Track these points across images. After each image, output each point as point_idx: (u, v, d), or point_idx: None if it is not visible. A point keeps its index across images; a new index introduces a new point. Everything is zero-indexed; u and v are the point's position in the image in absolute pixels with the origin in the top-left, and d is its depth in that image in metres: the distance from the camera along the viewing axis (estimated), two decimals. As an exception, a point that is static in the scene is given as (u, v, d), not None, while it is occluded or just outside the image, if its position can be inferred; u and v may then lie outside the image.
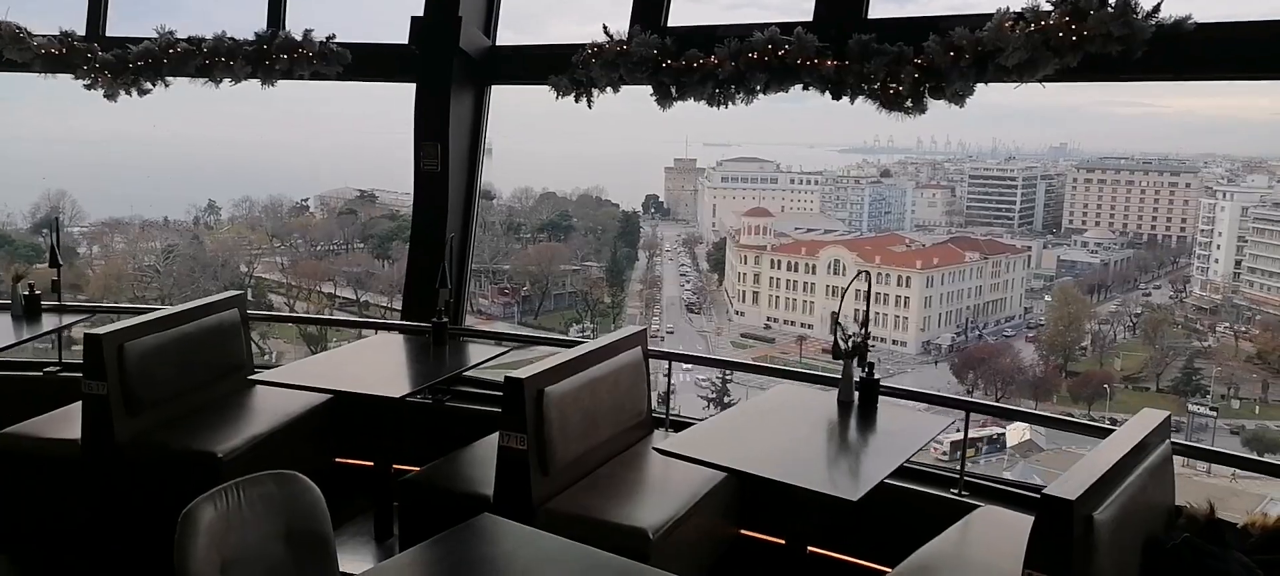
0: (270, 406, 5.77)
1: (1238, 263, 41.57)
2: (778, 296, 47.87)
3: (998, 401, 37.63)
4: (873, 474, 3.77)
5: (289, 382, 5.43)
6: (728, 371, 37.03)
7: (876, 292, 43.73)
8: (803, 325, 46.74)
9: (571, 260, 51.18)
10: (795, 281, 47.71)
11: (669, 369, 6.15)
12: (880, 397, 4.73)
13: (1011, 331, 44.34)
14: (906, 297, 44.07)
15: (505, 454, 4.52)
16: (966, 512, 4.44)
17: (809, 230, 50.02)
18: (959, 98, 4.64)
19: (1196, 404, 35.58)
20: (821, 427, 4.63)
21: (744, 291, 48.34)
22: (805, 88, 5.05)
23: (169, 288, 32.48)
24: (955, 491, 5.11)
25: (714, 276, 52.94)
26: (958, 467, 5.16)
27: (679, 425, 5.75)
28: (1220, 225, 42.53)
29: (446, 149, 6.97)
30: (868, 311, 4.88)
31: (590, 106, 5.67)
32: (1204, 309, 42.12)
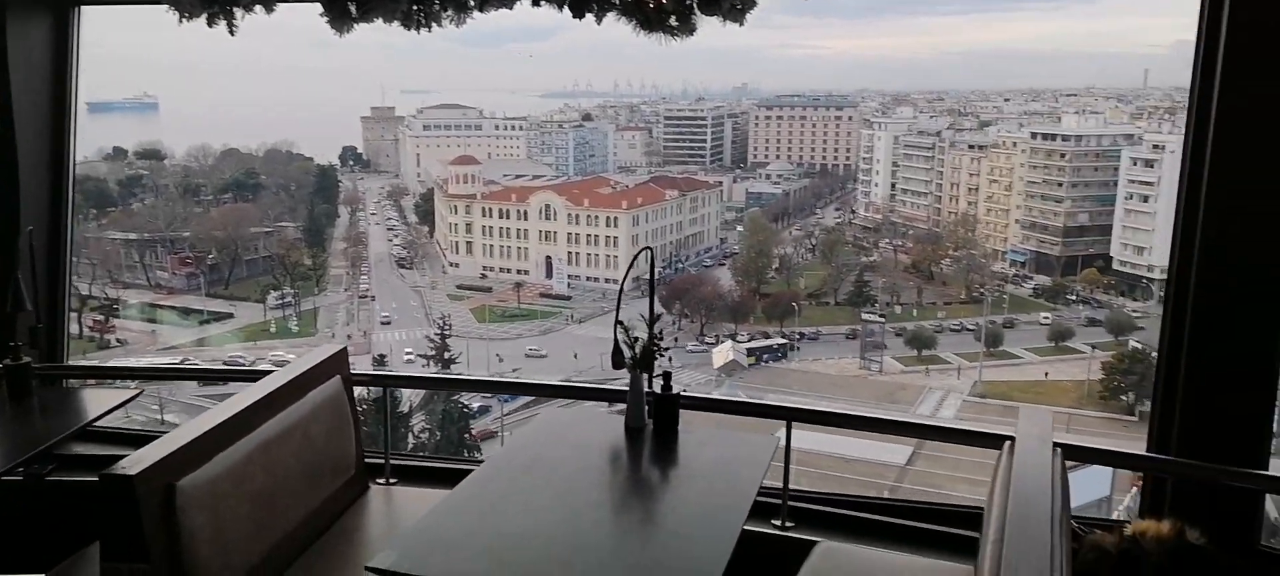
0: None
1: (893, 185, 47.44)
2: (491, 244, 47.49)
3: (703, 327, 40.38)
4: (704, 573, 2.52)
5: None
6: (446, 325, 36.41)
7: (588, 234, 44.67)
8: (519, 271, 46.83)
9: (263, 221, 47.26)
10: (508, 228, 47.55)
11: (385, 395, 4.53)
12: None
13: (710, 261, 47.56)
14: (615, 237, 45.63)
15: None
16: (801, 553, 3.31)
17: (517, 176, 49.98)
18: (737, 12, 3.57)
19: (867, 313, 40.46)
20: (612, 481, 3.30)
21: (457, 242, 47.43)
22: (536, 2, 3.72)
23: None
24: (778, 522, 3.93)
25: (424, 228, 51.37)
26: (778, 487, 3.91)
27: (406, 470, 4.41)
28: (878, 153, 48.17)
29: (4, 101, 4.81)
30: (652, 304, 3.68)
31: (233, 32, 4.00)
32: (869, 228, 47.73)
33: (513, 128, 57.35)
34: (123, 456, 2.83)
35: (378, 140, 64.08)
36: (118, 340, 38.86)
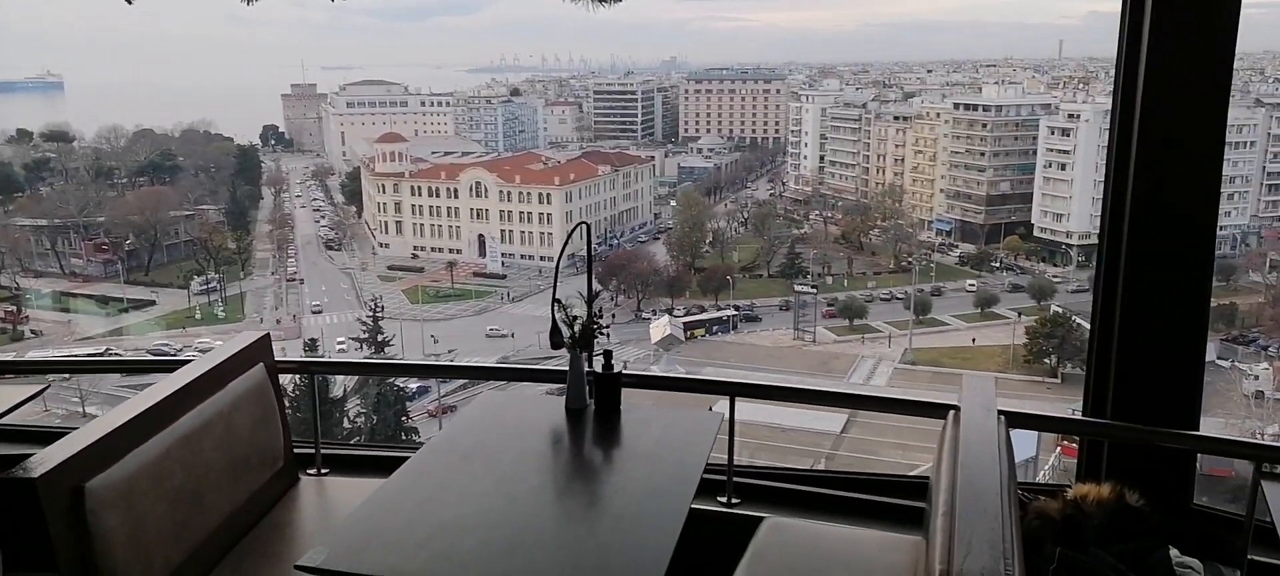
0: None
1: (821, 157, 48.11)
2: (422, 223, 46.74)
3: (640, 303, 40.51)
4: (652, 557, 2.45)
5: None
6: (378, 306, 35.79)
7: (521, 211, 44.32)
8: (451, 250, 46.22)
9: (182, 204, 45.66)
10: (438, 207, 46.83)
11: (312, 382, 4.31)
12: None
13: (645, 237, 47.67)
14: (548, 214, 45.37)
15: None
16: (748, 529, 3.25)
17: (446, 153, 49.21)
18: None
19: (800, 284, 41.14)
20: (555, 464, 3.22)
21: (386, 221, 46.55)
22: None
23: None
24: (724, 499, 3.84)
25: (352, 209, 50.26)
26: (723, 463, 3.79)
27: (338, 460, 4.21)
28: (806, 125, 48.75)
29: None
30: (590, 281, 3.54)
31: None
32: (799, 200, 48.36)
33: (439, 104, 56.38)
34: (30, 456, 2.65)
35: (300, 119, 62.34)
36: (32, 331, 37.21)
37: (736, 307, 38.62)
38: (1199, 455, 3.38)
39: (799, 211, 46.96)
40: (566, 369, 3.39)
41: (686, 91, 57.64)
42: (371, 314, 33.44)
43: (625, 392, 3.43)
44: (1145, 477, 2.87)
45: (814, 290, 38.50)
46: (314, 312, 38.84)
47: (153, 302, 38.73)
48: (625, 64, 66.89)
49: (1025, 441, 18.48)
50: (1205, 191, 3.14)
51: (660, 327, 37.16)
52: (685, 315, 38.45)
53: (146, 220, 41.41)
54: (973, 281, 39.21)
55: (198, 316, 38.15)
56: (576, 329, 3.37)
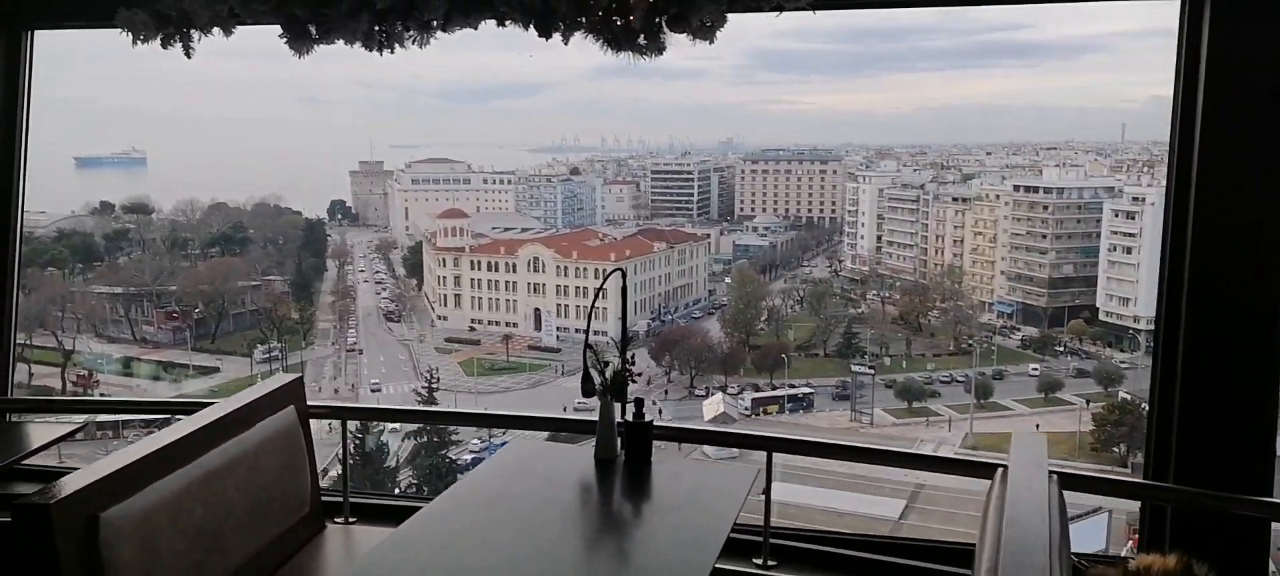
0: None
1: (879, 237, 47.78)
2: (480, 297, 47.42)
3: (693, 379, 40.24)
4: None
5: None
6: (434, 376, 36.15)
7: (577, 286, 44.63)
8: (507, 324, 46.71)
9: (250, 275, 47.09)
10: (496, 281, 47.54)
11: (343, 427, 4.26)
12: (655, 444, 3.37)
13: (699, 313, 47.59)
14: (605, 289, 45.71)
15: None
16: None
17: (506, 229, 50.09)
18: (707, 31, 3.52)
19: (857, 364, 40.47)
20: (580, 514, 3.12)
21: (445, 294, 47.34)
22: (501, 22, 3.67)
23: None
24: (759, 562, 3.71)
25: (412, 282, 51.28)
26: (759, 524, 3.68)
27: (368, 509, 4.13)
28: (863, 205, 48.59)
29: None
30: (625, 327, 3.57)
31: (189, 54, 3.93)
32: (856, 280, 47.95)
33: (501, 181, 57.62)
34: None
35: (366, 194, 64.26)
36: (101, 395, 38.47)
37: (810, 384, 38.19)
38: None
39: (855, 291, 46.51)
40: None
41: (742, 171, 58.04)
42: (427, 384, 33.80)
43: (662, 446, 3.42)
44: (1215, 549, 2.72)
45: (871, 371, 37.83)
46: (373, 390, 39.25)
47: (217, 369, 39.74)
48: (682, 145, 67.76)
49: (1094, 532, 17.69)
50: (1260, 269, 3.05)
51: (713, 405, 36.79)
52: (757, 392, 37.92)
53: (215, 289, 42.75)
54: (1036, 365, 38.15)
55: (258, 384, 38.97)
56: (608, 376, 3.33)
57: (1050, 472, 2.64)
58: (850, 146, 61.12)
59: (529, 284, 44.35)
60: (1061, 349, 39.26)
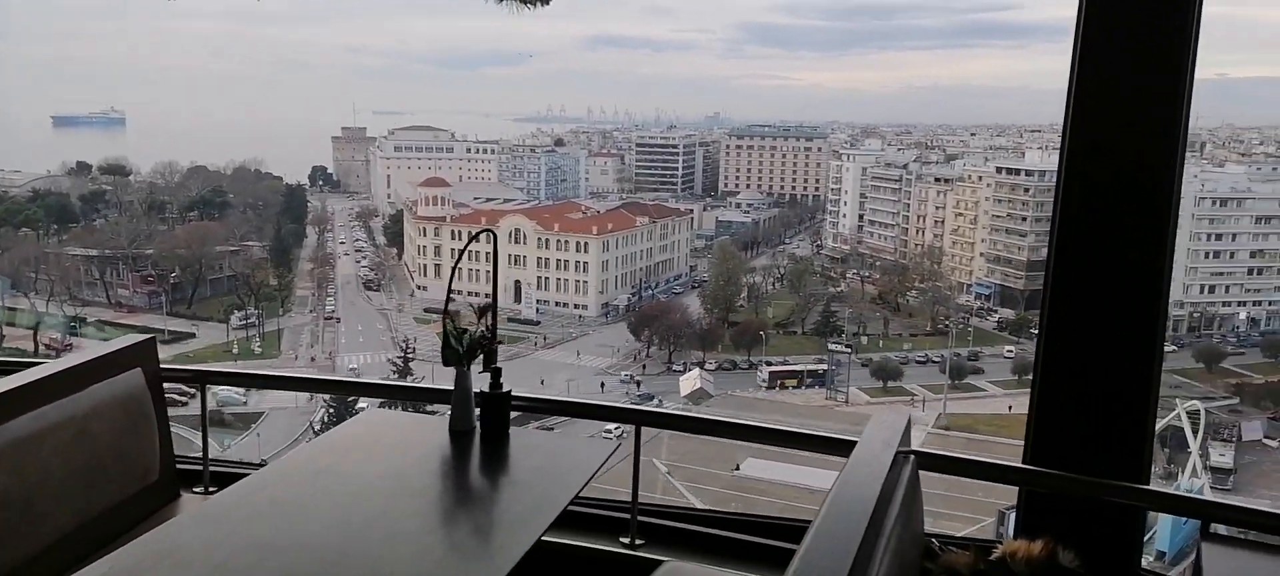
0: None
1: (861, 216, 47.79)
2: (461, 267, 47.22)
3: (672, 355, 40.27)
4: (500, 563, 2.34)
5: None
6: (409, 348, 36.00)
7: (557, 259, 44.49)
8: (487, 295, 46.63)
9: (228, 240, 46.70)
10: (477, 251, 47.22)
11: (202, 392, 3.94)
12: (514, 416, 3.23)
13: (680, 288, 47.56)
14: (585, 262, 45.55)
15: None
16: (648, 573, 3.09)
17: (488, 199, 49.81)
18: None
19: (835, 343, 40.57)
20: (407, 487, 2.91)
21: (425, 264, 47.08)
22: None
23: None
24: (626, 541, 3.56)
25: (393, 250, 51.01)
26: (628, 499, 3.52)
27: (230, 477, 3.78)
28: (846, 184, 48.54)
29: None
30: (496, 285, 3.35)
31: None
32: (836, 258, 48.00)
33: (485, 151, 57.21)
34: None
35: (348, 160, 63.70)
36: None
37: (768, 363, 38.17)
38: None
39: (836, 270, 46.56)
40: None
41: (727, 147, 57.86)
42: (402, 354, 33.69)
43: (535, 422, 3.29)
44: (1087, 537, 2.67)
45: (848, 349, 37.95)
46: (351, 369, 38.84)
47: (192, 335, 39.49)
48: (669, 118, 67.47)
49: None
50: (1152, 222, 2.93)
51: (690, 381, 36.87)
52: (782, 365, 37.73)
53: (193, 254, 42.40)
54: (1011, 347, 38.38)
55: (235, 351, 38.75)
56: (464, 342, 3.10)
57: (906, 453, 2.58)
58: (836, 124, 60.97)
59: (510, 255, 44.19)
60: (1036, 331, 39.52)
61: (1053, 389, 3.07)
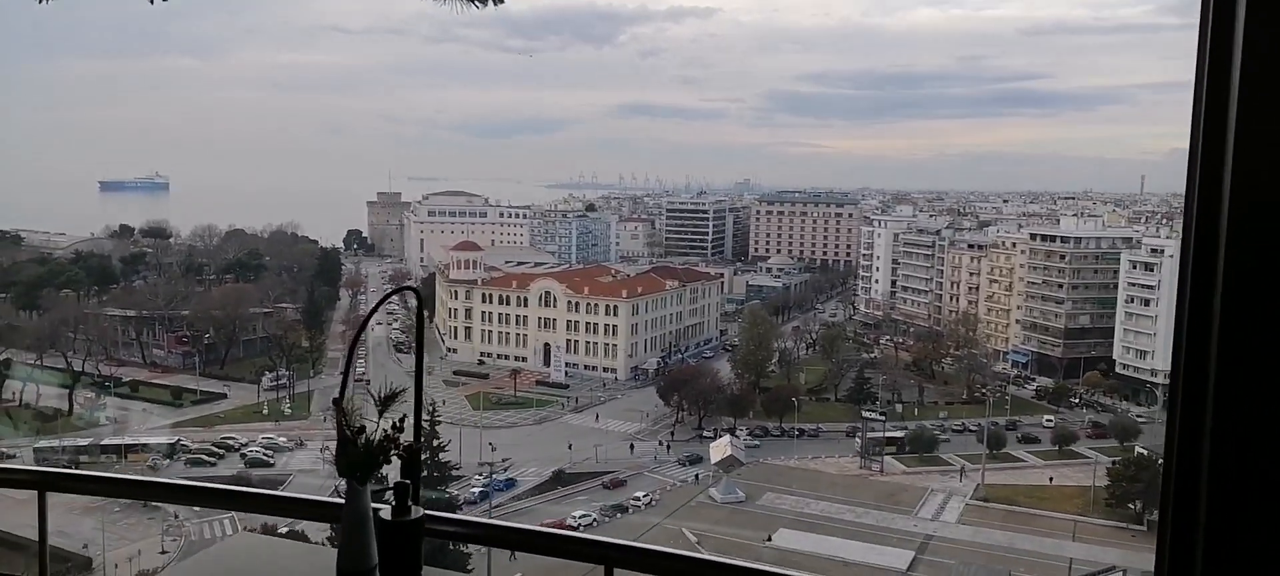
0: None
1: (893, 282, 47.43)
2: (490, 331, 47.37)
3: (702, 420, 39.70)
4: None
5: None
6: (433, 413, 35.87)
7: (587, 322, 44.56)
8: (516, 358, 46.61)
9: (262, 302, 47.24)
10: (508, 315, 47.49)
11: (40, 500, 3.15)
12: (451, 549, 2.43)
13: (710, 353, 47.25)
14: (615, 326, 45.48)
15: None
16: None
17: (519, 263, 50.24)
18: None
19: (868, 410, 39.89)
20: None
21: (455, 327, 47.32)
22: None
23: None
24: None
25: (424, 313, 51.28)
26: None
27: None
28: (878, 249, 48.29)
29: None
30: (420, 365, 2.61)
31: None
32: (869, 324, 47.62)
33: (517, 216, 57.83)
34: None
35: (383, 225, 64.68)
36: (108, 418, 38.42)
37: (800, 430, 37.53)
38: None
39: (869, 335, 46.02)
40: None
41: (758, 212, 58.03)
42: (428, 419, 33.52)
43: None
44: None
45: (882, 417, 37.25)
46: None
47: (224, 395, 39.72)
48: (699, 184, 68.10)
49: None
50: None
51: (721, 448, 36.25)
52: (873, 426, 36.31)
53: (227, 315, 42.89)
54: (1050, 416, 37.47)
55: (265, 411, 38.89)
56: (362, 444, 2.13)
57: None
58: (867, 191, 61.06)
59: (540, 319, 44.27)
60: (1077, 401, 38.53)
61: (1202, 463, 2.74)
